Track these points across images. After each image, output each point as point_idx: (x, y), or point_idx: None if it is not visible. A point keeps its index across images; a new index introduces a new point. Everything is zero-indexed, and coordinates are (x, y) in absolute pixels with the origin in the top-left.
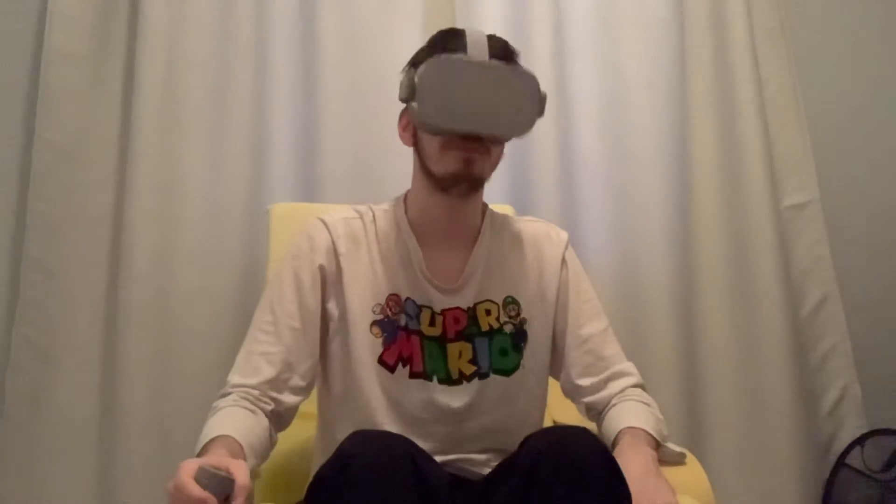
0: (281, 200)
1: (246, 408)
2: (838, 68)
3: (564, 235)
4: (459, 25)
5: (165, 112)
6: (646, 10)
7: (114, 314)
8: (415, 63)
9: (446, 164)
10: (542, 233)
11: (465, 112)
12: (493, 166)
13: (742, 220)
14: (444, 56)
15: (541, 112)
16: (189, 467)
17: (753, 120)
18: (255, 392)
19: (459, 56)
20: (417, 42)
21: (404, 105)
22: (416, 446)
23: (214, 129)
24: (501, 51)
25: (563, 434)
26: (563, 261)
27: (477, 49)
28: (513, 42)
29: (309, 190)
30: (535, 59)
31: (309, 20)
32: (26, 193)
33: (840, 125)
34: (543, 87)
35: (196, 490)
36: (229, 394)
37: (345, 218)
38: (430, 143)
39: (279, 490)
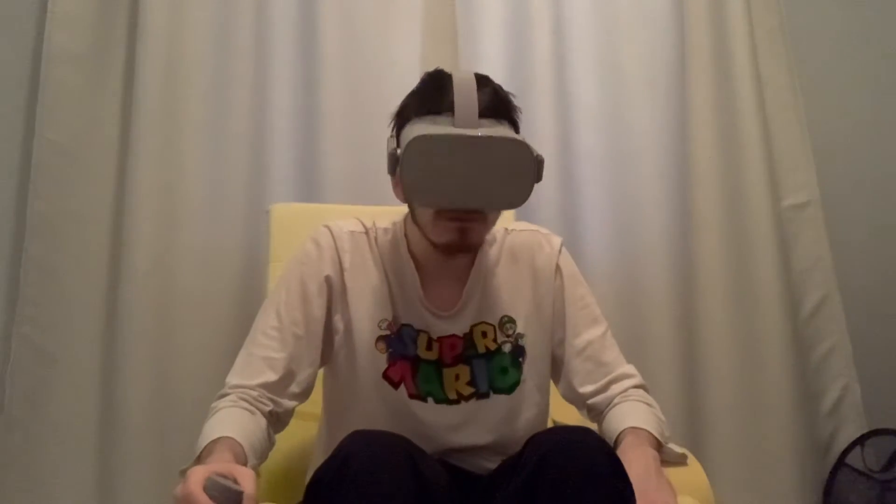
0: (281, 200)
1: (244, 408)
2: (838, 68)
3: (557, 243)
4: (459, 25)
5: (165, 112)
6: (646, 10)
7: (114, 314)
8: (401, 118)
9: (440, 234)
10: (534, 243)
11: (455, 188)
12: (491, 227)
13: (742, 220)
14: (425, 135)
15: (538, 178)
16: (199, 476)
17: (753, 119)
18: (254, 393)
19: (445, 127)
20: (417, 42)
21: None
22: (415, 446)
23: (214, 129)
24: (492, 108)
25: (569, 435)
26: (557, 269)
27: (465, 110)
28: (512, 42)
29: (309, 190)
30: (535, 59)
31: (309, 20)
32: (26, 193)
33: (840, 125)
34: (542, 86)
35: (204, 501)
36: (227, 395)
37: (352, 231)
38: (423, 213)
39: (279, 490)
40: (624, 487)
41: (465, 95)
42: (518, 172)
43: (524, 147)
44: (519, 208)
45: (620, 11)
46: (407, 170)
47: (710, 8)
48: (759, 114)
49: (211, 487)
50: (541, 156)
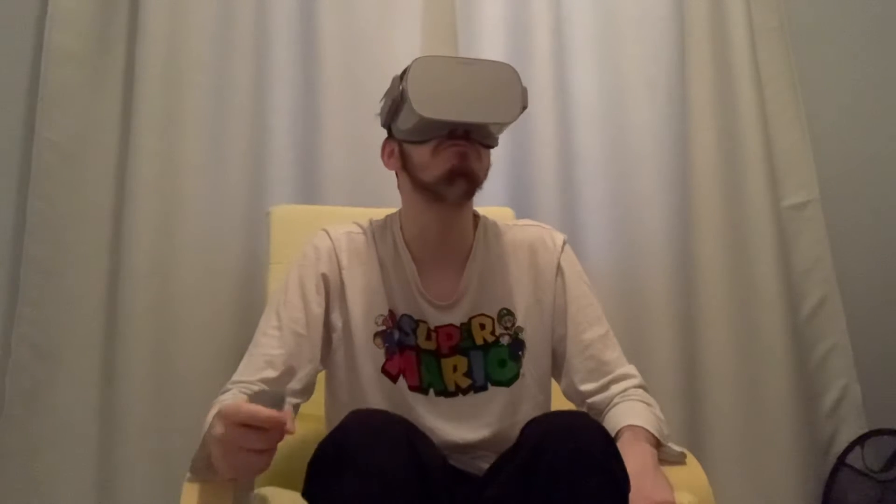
0: (281, 202)
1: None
2: (838, 68)
3: (560, 240)
4: (459, 26)
5: (165, 112)
6: (646, 10)
7: (114, 314)
8: (392, 91)
9: (441, 164)
10: (536, 238)
11: (455, 103)
12: (485, 172)
13: (742, 219)
14: (428, 56)
15: (524, 103)
16: (235, 405)
17: (753, 119)
18: (255, 387)
19: (441, 55)
20: (417, 42)
21: (385, 136)
22: (412, 425)
23: (214, 129)
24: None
25: (564, 418)
26: (559, 267)
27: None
28: (512, 42)
29: (310, 192)
30: (535, 59)
31: (309, 20)
32: (26, 193)
33: (840, 125)
34: (541, 86)
35: (262, 409)
36: (229, 389)
37: (349, 232)
38: (421, 153)
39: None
40: (618, 469)
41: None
42: (508, 93)
43: (511, 69)
44: (519, 207)
45: (620, 11)
46: (414, 86)
47: (710, 8)
48: (759, 114)
49: (257, 399)
50: (525, 87)
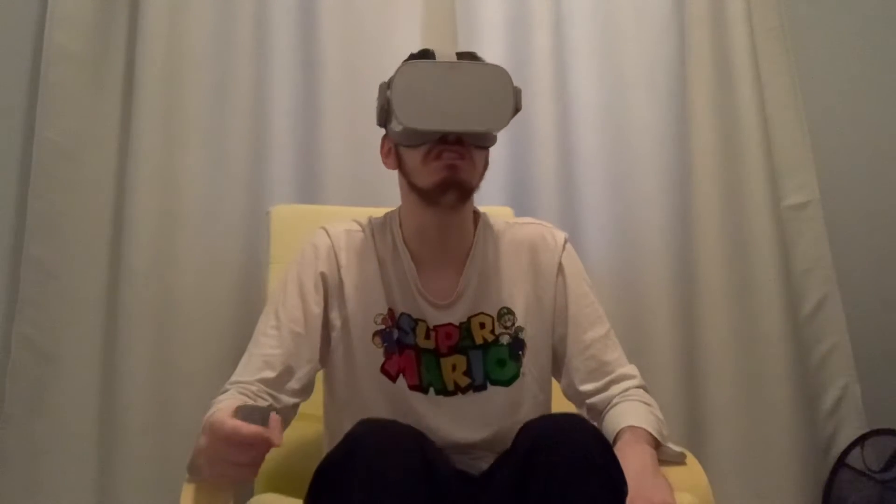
0: (281, 202)
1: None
2: (838, 68)
3: (561, 238)
4: (459, 25)
5: (165, 112)
6: (646, 10)
7: (114, 314)
8: (380, 98)
9: (431, 174)
10: (537, 237)
11: (441, 111)
12: (480, 175)
13: (742, 219)
14: (412, 62)
15: (517, 106)
16: (224, 414)
17: (753, 119)
18: (253, 388)
19: (428, 60)
20: (417, 41)
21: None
22: (423, 436)
23: (214, 129)
24: (470, 55)
25: (560, 421)
26: (560, 266)
27: (444, 57)
28: (512, 42)
29: (310, 192)
30: (535, 59)
31: (309, 20)
32: (26, 193)
33: (840, 125)
34: (541, 85)
35: (246, 426)
36: (227, 390)
37: (348, 230)
38: (413, 158)
39: (279, 491)
40: (615, 471)
41: (446, 51)
42: (497, 96)
43: (502, 72)
44: (519, 207)
45: (620, 11)
46: (398, 96)
47: (710, 8)
48: (759, 114)
49: (241, 414)
50: (518, 87)
